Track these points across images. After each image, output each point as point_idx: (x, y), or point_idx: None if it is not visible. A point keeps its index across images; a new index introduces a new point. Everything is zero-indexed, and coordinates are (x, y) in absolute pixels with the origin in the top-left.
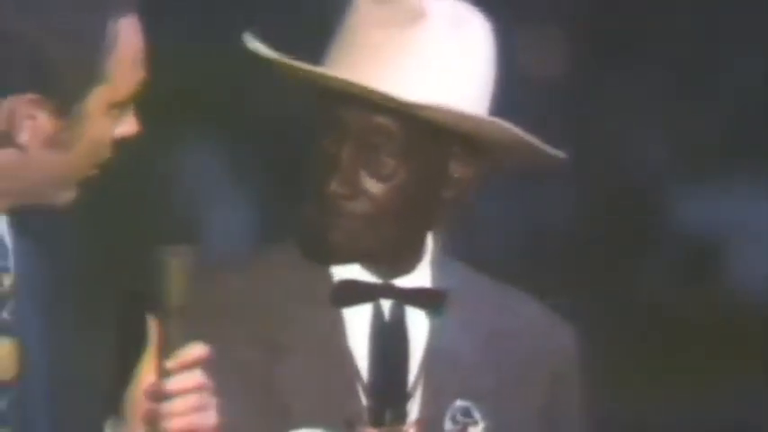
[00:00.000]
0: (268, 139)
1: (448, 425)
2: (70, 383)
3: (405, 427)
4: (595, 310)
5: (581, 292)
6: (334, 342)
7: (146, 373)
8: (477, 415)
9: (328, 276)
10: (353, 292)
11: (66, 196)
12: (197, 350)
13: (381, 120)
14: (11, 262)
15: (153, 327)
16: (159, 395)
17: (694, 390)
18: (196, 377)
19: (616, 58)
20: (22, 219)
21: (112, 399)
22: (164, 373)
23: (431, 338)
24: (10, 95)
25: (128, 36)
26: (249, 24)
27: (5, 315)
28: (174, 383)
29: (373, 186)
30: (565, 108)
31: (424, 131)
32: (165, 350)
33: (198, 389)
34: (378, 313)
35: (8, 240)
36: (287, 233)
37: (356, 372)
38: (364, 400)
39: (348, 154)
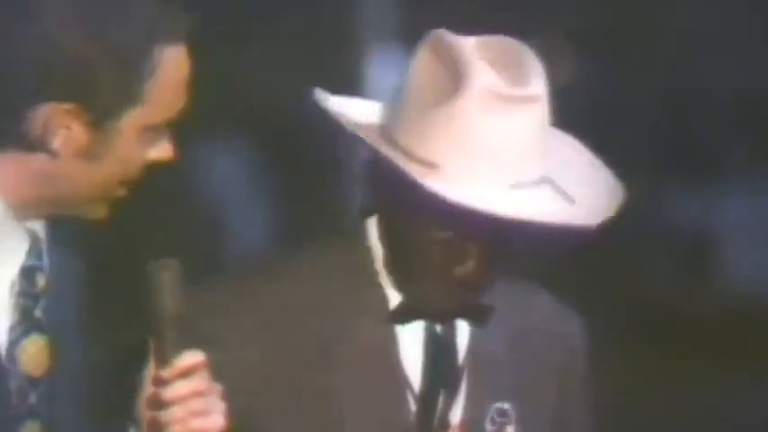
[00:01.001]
0: (297, 145)
1: (488, 426)
2: (100, 380)
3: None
4: (600, 307)
5: (586, 290)
6: (387, 351)
7: (147, 383)
8: (511, 415)
9: (379, 288)
10: (415, 312)
11: (97, 212)
12: (192, 358)
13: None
14: (45, 263)
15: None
16: (158, 404)
17: (697, 385)
18: (193, 384)
19: (615, 58)
20: (57, 222)
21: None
22: (161, 383)
23: (471, 344)
24: (49, 103)
25: (172, 65)
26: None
27: (38, 313)
28: (168, 392)
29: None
30: (566, 108)
31: None
32: (161, 360)
33: (196, 395)
34: (430, 327)
35: (44, 243)
36: (322, 239)
37: (406, 380)
38: (413, 407)
39: (479, 250)
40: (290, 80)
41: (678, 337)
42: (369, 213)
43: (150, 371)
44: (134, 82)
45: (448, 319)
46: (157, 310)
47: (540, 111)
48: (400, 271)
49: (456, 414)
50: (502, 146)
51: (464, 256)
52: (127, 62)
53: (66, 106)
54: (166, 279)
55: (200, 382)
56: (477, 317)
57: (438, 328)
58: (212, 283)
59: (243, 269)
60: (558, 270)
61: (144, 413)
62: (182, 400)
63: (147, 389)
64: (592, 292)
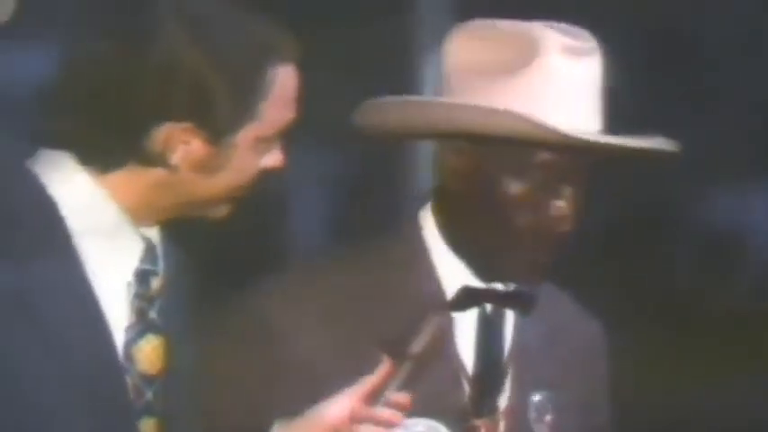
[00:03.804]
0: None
1: (531, 413)
2: (212, 379)
3: (497, 416)
4: (620, 304)
5: (607, 287)
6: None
7: (354, 396)
8: (550, 405)
9: (435, 277)
10: (474, 298)
11: (219, 211)
12: (403, 398)
13: (584, 157)
14: (160, 266)
15: (386, 362)
16: (359, 418)
17: (715, 381)
18: (393, 415)
19: (633, 58)
20: (172, 227)
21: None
22: (372, 402)
23: (514, 334)
24: (170, 122)
25: (284, 83)
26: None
27: (153, 314)
28: (375, 412)
29: (575, 218)
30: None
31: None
32: (386, 385)
33: (390, 424)
34: (483, 314)
35: (159, 247)
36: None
37: (462, 367)
38: (467, 393)
39: (565, 192)
40: (347, 84)
41: (707, 337)
42: (430, 200)
43: (364, 387)
44: (251, 101)
45: (500, 305)
46: (411, 346)
47: (598, 63)
48: (479, 243)
49: (504, 399)
50: (582, 93)
51: (551, 207)
52: (243, 83)
53: (184, 125)
54: (433, 324)
55: (397, 415)
56: (525, 304)
57: (489, 313)
58: (280, 277)
59: (308, 264)
60: (586, 268)
61: (331, 419)
62: (379, 422)
63: (353, 401)
64: (620, 290)
